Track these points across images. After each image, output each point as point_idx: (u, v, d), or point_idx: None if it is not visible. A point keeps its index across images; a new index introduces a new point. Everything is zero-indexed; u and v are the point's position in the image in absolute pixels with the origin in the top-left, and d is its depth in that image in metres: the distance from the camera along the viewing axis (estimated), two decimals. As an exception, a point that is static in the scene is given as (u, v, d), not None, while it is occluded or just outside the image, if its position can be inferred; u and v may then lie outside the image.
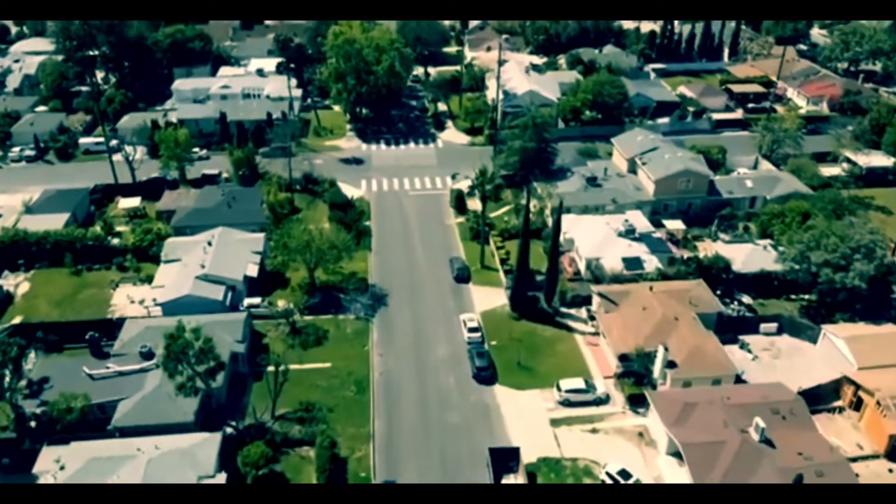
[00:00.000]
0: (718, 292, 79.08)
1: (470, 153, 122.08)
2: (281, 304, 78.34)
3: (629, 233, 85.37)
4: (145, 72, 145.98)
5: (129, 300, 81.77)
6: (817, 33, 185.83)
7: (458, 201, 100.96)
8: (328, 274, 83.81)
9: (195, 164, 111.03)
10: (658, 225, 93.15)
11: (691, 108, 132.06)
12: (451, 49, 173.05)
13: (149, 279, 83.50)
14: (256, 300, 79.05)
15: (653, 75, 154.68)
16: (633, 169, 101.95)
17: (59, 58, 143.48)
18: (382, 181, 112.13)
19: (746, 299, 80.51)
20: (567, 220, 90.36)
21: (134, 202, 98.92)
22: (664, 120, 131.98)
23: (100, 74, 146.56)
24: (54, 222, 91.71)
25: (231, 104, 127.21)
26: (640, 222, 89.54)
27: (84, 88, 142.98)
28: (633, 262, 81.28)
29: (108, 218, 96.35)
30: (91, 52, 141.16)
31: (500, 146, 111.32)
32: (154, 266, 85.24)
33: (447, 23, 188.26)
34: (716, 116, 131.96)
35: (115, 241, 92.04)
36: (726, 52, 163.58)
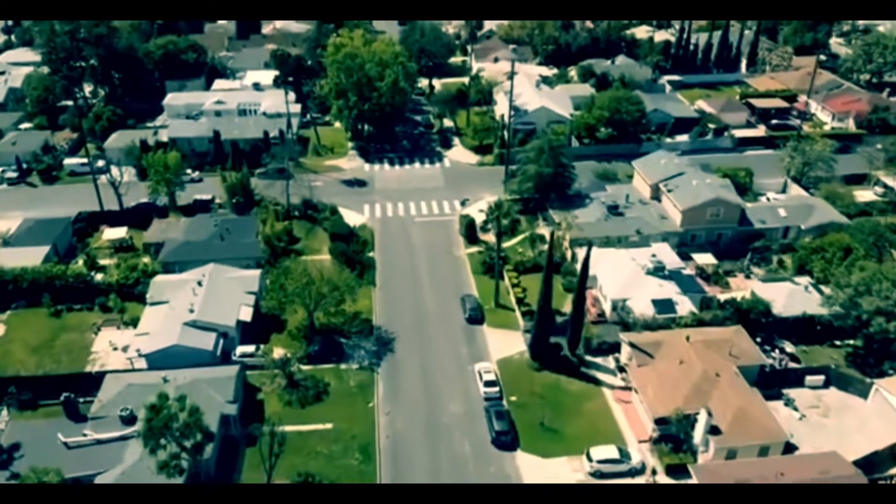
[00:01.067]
0: (758, 339, 72.09)
1: (479, 174, 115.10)
2: (277, 352, 71.22)
3: (658, 270, 78.33)
4: (136, 85, 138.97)
5: (111, 347, 74.62)
6: (834, 42, 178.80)
7: (469, 230, 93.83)
8: (329, 315, 76.77)
9: (187, 187, 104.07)
10: (686, 258, 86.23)
11: (712, 125, 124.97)
12: (457, 59, 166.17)
13: (133, 322, 76.48)
14: (250, 348, 71.94)
15: (668, 88, 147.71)
16: (656, 195, 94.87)
17: (46, 70, 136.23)
18: (387, 206, 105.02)
19: (788, 347, 73.45)
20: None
21: (119, 233, 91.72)
22: (683, 137, 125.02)
23: (88, 88, 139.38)
24: (33, 256, 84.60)
25: (226, 121, 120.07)
26: (668, 257, 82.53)
27: (71, 103, 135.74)
28: (664, 305, 74.20)
29: (91, 251, 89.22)
30: (79, 64, 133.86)
31: (512, 169, 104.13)
32: (140, 305, 78.24)
33: (451, 30, 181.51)
34: (738, 134, 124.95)
35: (99, 276, 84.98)
36: (744, 62, 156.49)
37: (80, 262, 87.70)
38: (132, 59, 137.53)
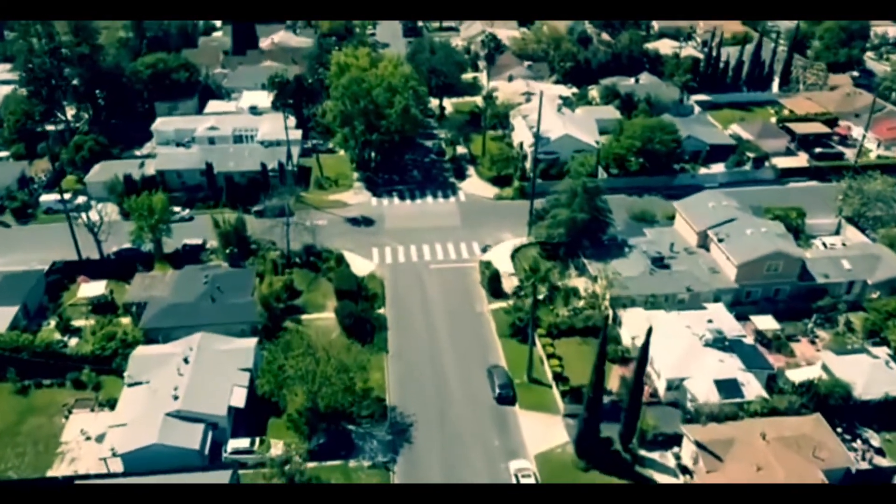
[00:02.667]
0: (839, 429, 61.65)
1: (498, 210, 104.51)
2: (275, 448, 60.52)
3: (718, 341, 67.76)
4: (123, 107, 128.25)
5: (83, 436, 63.92)
6: (867, 58, 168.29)
7: (492, 282, 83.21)
8: (336, 394, 65.96)
9: (177, 228, 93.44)
10: (741, 318, 75.84)
11: (750, 154, 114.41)
12: (467, 75, 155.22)
13: (110, 403, 66.05)
14: (244, 443, 61.22)
15: (696, 109, 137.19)
16: (704, 243, 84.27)
17: (24, 92, 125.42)
18: (398, 250, 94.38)
19: (873, 438, 62.93)
20: (633, 317, 73.04)
21: (97, 288, 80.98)
22: (718, 167, 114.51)
23: (71, 111, 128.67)
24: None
25: (219, 152, 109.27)
26: (726, 321, 72.09)
27: (53, 127, 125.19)
28: (729, 387, 63.60)
29: (65, 311, 78.51)
30: (60, 85, 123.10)
31: (538, 209, 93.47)
32: (117, 380, 67.76)
33: (459, 43, 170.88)
34: (779, 163, 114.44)
35: (74, 342, 74.65)
36: (776, 81, 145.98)
37: (53, 323, 77.26)
38: (118, 79, 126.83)
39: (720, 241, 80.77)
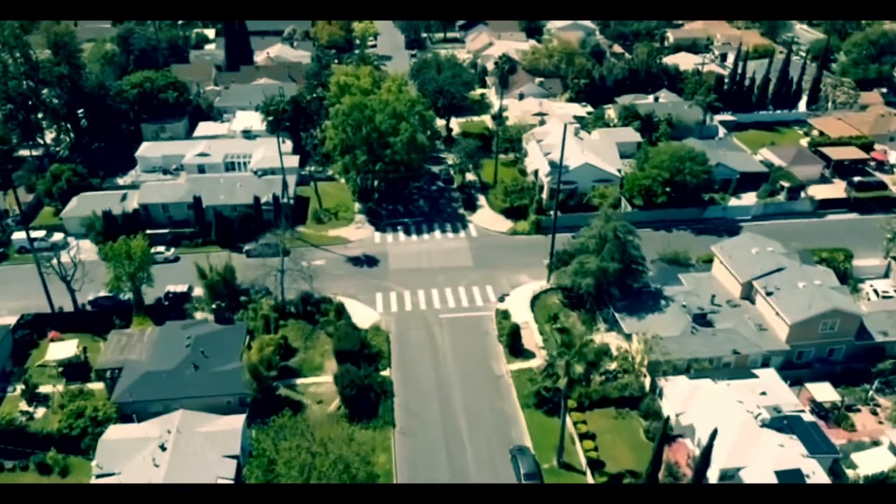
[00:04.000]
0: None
1: (513, 247, 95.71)
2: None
3: (776, 420, 58.88)
4: (106, 130, 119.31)
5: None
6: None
7: (512, 339, 74.24)
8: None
9: (161, 270, 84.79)
10: (794, 383, 67.12)
11: (785, 184, 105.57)
12: (475, 92, 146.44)
13: (75, 494, 56.84)
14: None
15: (721, 130, 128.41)
16: (748, 295, 75.36)
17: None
18: (404, 295, 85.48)
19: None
20: (675, 388, 64.19)
21: (68, 349, 71.99)
22: (749, 197, 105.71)
23: (50, 135, 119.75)
24: (-46, 387, 65.26)
25: (209, 183, 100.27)
26: (780, 392, 63.40)
27: (30, 153, 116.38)
28: (792, 480, 54.65)
29: (30, 377, 69.48)
30: (37, 106, 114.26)
31: (559, 251, 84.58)
32: (87, 463, 58.93)
33: (464, 57, 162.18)
34: (815, 193, 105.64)
35: (41, 411, 65.83)
36: (804, 99, 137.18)
37: (18, 390, 68.36)
38: (102, 100, 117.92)
39: (769, 294, 71.82)
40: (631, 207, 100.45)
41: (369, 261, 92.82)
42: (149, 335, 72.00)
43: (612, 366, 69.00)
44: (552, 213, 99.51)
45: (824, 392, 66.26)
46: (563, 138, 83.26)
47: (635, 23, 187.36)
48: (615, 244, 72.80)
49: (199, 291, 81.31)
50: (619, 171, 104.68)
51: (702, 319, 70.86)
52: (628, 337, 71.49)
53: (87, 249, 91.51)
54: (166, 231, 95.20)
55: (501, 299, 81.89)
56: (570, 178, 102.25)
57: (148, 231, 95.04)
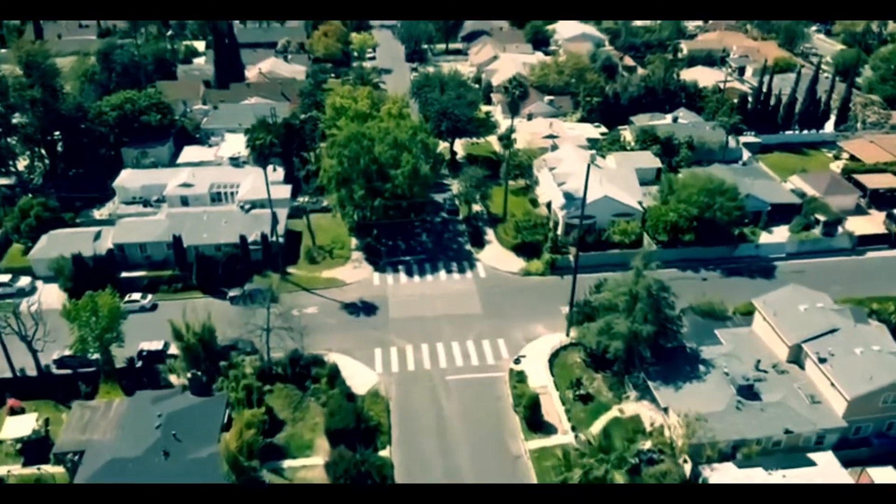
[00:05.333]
0: None
1: (526, 291, 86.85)
2: None
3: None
4: (84, 155, 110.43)
5: None
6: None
7: (531, 411, 65.14)
8: None
9: (135, 320, 76.33)
10: (850, 463, 58.26)
11: (820, 217, 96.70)
12: (480, 109, 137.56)
13: None
14: None
15: (746, 153, 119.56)
16: (796, 358, 66.41)
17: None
18: (406, 351, 76.53)
19: None
20: (724, 479, 55.15)
21: (26, 425, 62.92)
22: (781, 232, 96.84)
23: (24, 162, 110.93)
24: None
25: (191, 219, 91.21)
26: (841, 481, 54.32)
27: (1, 182, 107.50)
28: None
29: (-21, 459, 60.78)
30: (8, 132, 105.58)
31: (579, 302, 75.62)
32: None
33: (468, 72, 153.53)
34: (854, 227, 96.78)
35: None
36: (832, 119, 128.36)
37: (-35, 474, 59.49)
38: (79, 124, 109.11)
39: (822, 360, 62.86)
40: (655, 245, 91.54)
41: (367, 308, 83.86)
42: (116, 409, 63.00)
43: (647, 444, 60.12)
44: (568, 250, 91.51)
45: (888, 479, 57.27)
46: (585, 180, 74.03)
47: (646, 33, 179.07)
48: (648, 303, 63.77)
49: (175, 348, 72.24)
50: (641, 203, 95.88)
51: (748, 391, 61.84)
52: (665, 410, 62.55)
53: (55, 296, 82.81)
54: (143, 275, 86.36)
55: (517, 361, 72.72)
56: (587, 212, 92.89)
57: (123, 274, 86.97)
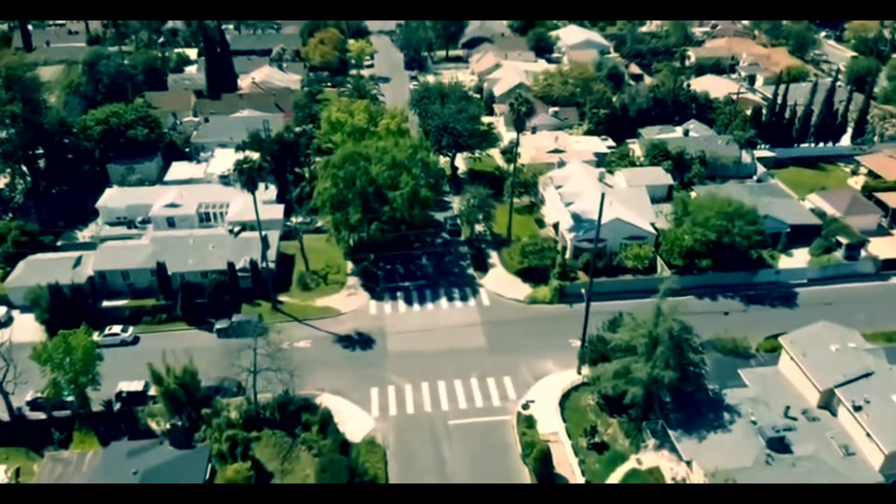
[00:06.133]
0: None
1: (534, 321, 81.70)
2: None
3: None
4: (68, 172, 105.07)
5: None
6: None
7: (542, 463, 59.73)
8: None
9: (119, 350, 71.45)
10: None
11: (842, 239, 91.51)
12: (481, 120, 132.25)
13: None
14: None
15: (760, 168, 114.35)
16: (827, 403, 61.17)
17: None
18: (405, 390, 71.21)
19: None
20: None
21: (-11, 479, 57.89)
22: (801, 255, 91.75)
23: (4, 180, 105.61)
24: None
25: (176, 246, 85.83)
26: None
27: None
28: None
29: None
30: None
31: (591, 337, 70.34)
32: None
33: (469, 82, 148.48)
34: (878, 251, 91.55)
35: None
36: (849, 132, 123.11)
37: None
38: (62, 139, 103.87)
39: (856, 408, 57.65)
40: (668, 270, 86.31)
41: (363, 341, 78.59)
42: (90, 462, 57.78)
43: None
44: (577, 275, 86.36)
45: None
46: (600, 210, 68.66)
47: (652, 39, 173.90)
48: (670, 347, 58.47)
49: (153, 396, 66.87)
50: (653, 224, 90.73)
51: (778, 443, 56.61)
52: (689, 463, 57.33)
53: (32, 328, 77.62)
54: (125, 304, 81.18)
55: (525, 406, 67.29)
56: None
57: (105, 303, 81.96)
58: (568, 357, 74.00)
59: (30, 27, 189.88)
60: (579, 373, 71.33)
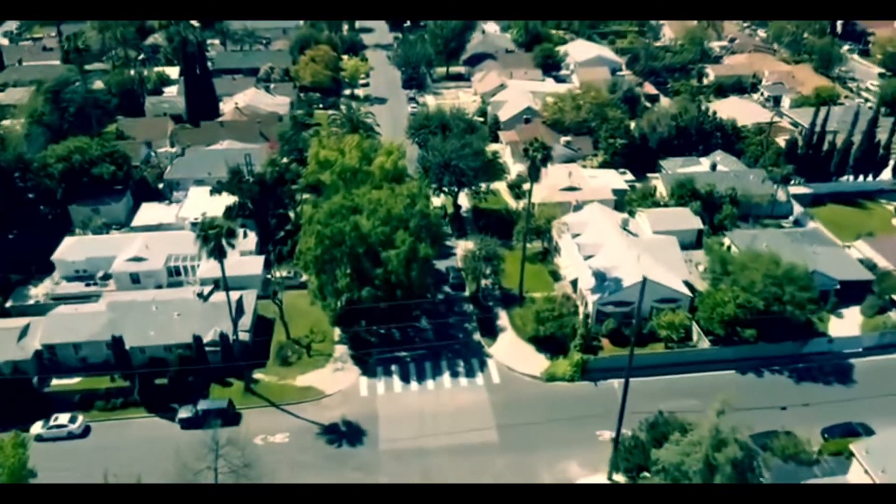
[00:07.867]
0: None
1: (553, 403, 69.96)
2: None
3: None
4: (26, 215, 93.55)
5: None
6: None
7: None
8: None
9: (66, 444, 59.87)
10: None
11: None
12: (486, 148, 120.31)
13: None
14: None
15: (797, 207, 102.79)
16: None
17: None
18: None
19: None
20: None
21: None
22: (851, 314, 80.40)
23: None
24: None
25: (136, 314, 73.97)
26: None
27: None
28: None
29: None
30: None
31: (630, 446, 58.70)
32: None
33: (472, 101, 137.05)
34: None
35: None
36: (891, 163, 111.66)
37: None
38: (19, 178, 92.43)
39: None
40: (706, 339, 74.72)
41: (351, 433, 66.68)
42: None
43: None
44: (601, 344, 75.07)
45: None
46: (640, 296, 56.78)
47: (667, 56, 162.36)
48: (732, 478, 46.77)
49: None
50: (687, 283, 79.22)
51: None
52: None
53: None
54: (75, 383, 69.81)
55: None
56: (623, 298, 76.88)
57: (54, 381, 70.54)
58: (595, 455, 62.42)
59: (4, 41, 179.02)
60: (610, 479, 59.75)
